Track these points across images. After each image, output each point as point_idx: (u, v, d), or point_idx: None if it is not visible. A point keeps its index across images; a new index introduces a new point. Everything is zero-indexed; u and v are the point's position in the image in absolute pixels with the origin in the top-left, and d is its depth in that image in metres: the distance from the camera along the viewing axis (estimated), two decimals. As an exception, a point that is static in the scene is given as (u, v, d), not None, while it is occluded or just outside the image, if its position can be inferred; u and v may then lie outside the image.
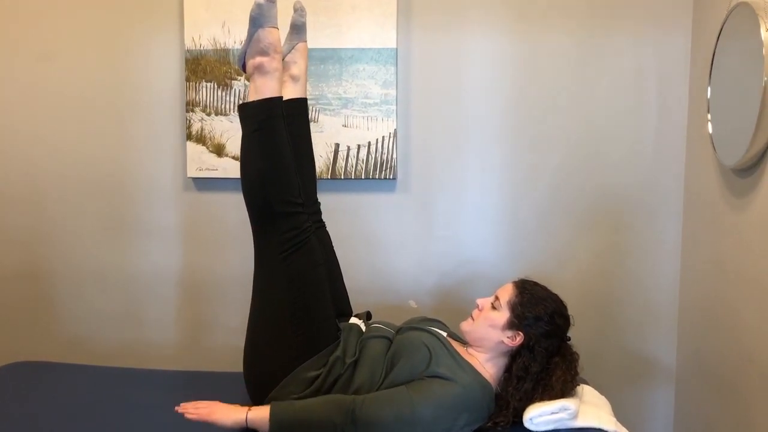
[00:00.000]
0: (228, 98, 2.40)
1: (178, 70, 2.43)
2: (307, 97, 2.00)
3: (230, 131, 2.39)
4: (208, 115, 2.40)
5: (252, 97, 1.76)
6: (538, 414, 1.62)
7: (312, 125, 2.35)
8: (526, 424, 1.64)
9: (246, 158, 1.75)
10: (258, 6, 1.71)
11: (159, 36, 2.43)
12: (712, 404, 2.04)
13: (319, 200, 2.00)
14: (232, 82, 2.38)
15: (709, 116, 2.02)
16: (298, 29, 1.94)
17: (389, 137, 2.36)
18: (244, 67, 1.81)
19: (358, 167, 2.38)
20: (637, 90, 2.31)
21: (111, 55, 2.45)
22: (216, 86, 2.40)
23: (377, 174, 2.37)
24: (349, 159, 2.38)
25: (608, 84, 2.32)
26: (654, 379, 2.40)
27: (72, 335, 2.58)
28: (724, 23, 1.90)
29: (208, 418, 1.59)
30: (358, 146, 2.37)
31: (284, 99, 1.84)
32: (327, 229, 2.01)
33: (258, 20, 1.73)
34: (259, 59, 1.75)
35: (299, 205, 1.75)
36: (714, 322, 2.04)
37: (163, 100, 2.45)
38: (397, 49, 2.33)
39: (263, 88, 1.74)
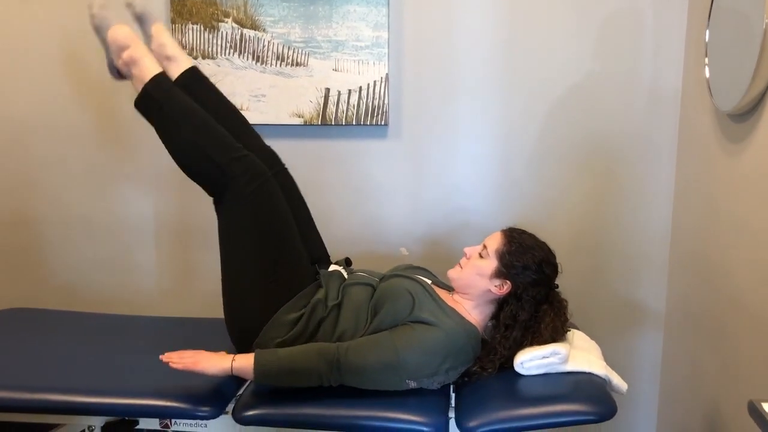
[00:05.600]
0: (215, 41, 2.33)
1: (163, 11, 2.36)
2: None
3: (218, 75, 2.34)
4: (195, 58, 2.34)
5: (139, 88, 1.78)
6: (529, 358, 1.64)
7: (302, 69, 2.32)
8: (517, 368, 1.66)
9: (169, 140, 1.76)
10: (92, 17, 1.82)
11: (142, -25, 2.35)
12: (700, 348, 2.07)
13: (270, 146, 1.96)
14: (220, 24, 2.31)
15: (706, 60, 1.98)
16: (142, 18, 1.94)
17: (381, 82, 2.31)
18: (120, 74, 1.87)
19: (349, 113, 2.34)
20: (632, 32, 2.26)
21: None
22: (203, 29, 2.33)
23: (368, 120, 2.33)
24: (340, 104, 2.34)
25: (603, 25, 2.26)
26: (643, 324, 2.43)
27: (59, 281, 2.58)
28: (725, -37, 1.85)
29: (194, 367, 1.59)
30: (349, 91, 2.32)
31: (175, 77, 1.88)
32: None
33: (101, 28, 1.83)
34: (125, 54, 1.80)
35: (241, 147, 1.76)
36: (704, 268, 2.05)
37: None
38: (388, -10, 2.27)
39: (143, 73, 1.78)
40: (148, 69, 1.77)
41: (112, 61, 1.85)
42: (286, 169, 1.94)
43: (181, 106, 1.75)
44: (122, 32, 1.81)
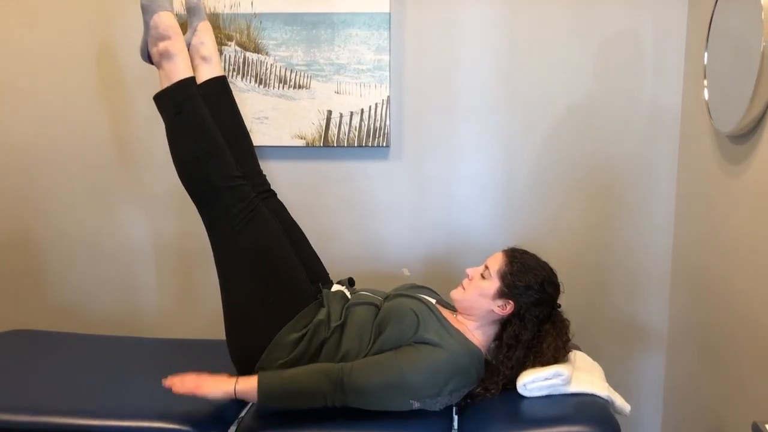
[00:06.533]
0: (218, 64, 2.35)
1: (166, 35, 2.38)
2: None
3: (221, 98, 2.35)
4: (198, 81, 2.36)
5: (164, 85, 1.76)
6: (531, 380, 1.64)
7: (304, 91, 2.34)
8: (520, 390, 1.65)
9: (175, 145, 1.75)
10: None
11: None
12: (702, 369, 2.06)
13: (264, 172, 1.97)
14: (223, 47, 2.33)
15: (705, 82, 2.00)
16: (193, 11, 1.92)
17: (382, 104, 2.33)
18: (149, 59, 1.82)
19: (351, 135, 2.35)
20: (632, 54, 2.28)
21: (98, 21, 2.39)
22: (206, 52, 2.35)
23: (370, 142, 2.35)
24: (342, 126, 2.35)
25: (604, 47, 2.28)
26: (645, 345, 2.42)
27: (61, 303, 2.57)
28: (722, -14, 1.87)
29: (196, 391, 1.58)
30: (351, 113, 2.34)
31: (202, 80, 1.86)
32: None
33: (149, 7, 1.76)
34: (162, 45, 1.76)
35: (240, 177, 1.76)
36: (706, 288, 2.05)
37: (151, 68, 2.39)
38: (390, 13, 2.29)
39: (173, 73, 1.75)
40: (180, 70, 1.75)
41: (148, 44, 1.80)
42: (275, 193, 1.96)
43: (198, 120, 1.74)
44: (167, 21, 1.76)
